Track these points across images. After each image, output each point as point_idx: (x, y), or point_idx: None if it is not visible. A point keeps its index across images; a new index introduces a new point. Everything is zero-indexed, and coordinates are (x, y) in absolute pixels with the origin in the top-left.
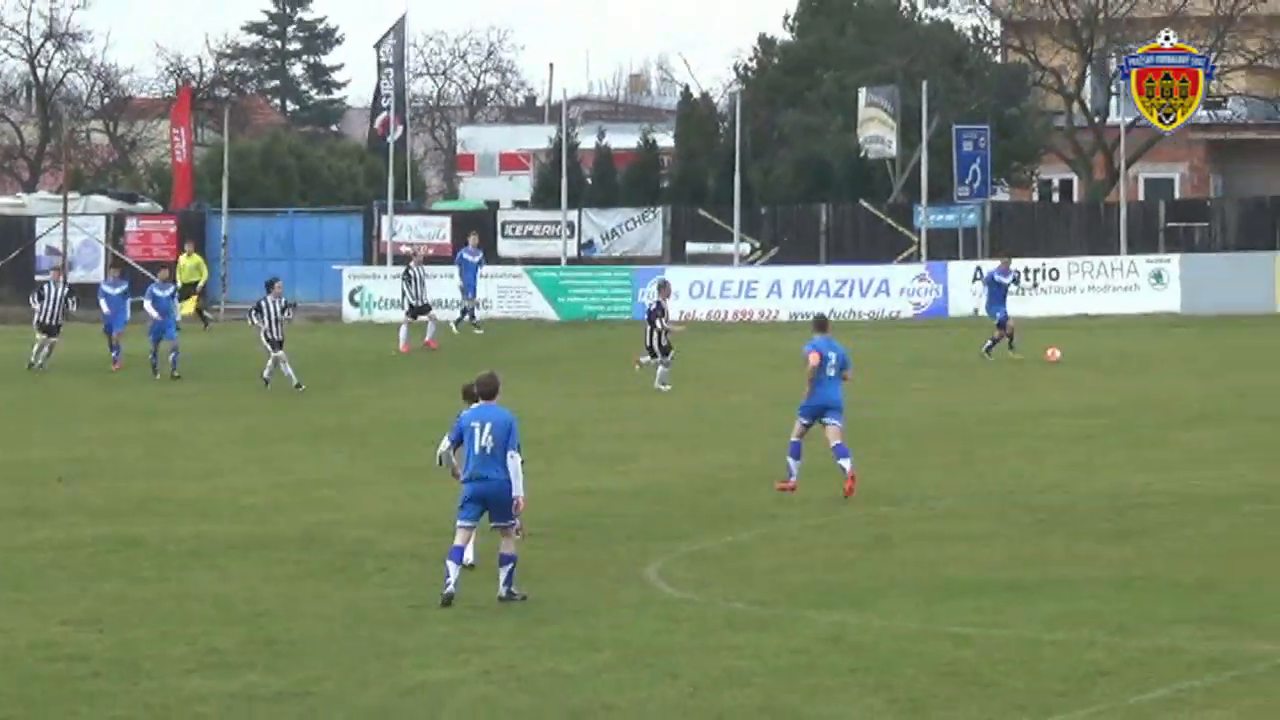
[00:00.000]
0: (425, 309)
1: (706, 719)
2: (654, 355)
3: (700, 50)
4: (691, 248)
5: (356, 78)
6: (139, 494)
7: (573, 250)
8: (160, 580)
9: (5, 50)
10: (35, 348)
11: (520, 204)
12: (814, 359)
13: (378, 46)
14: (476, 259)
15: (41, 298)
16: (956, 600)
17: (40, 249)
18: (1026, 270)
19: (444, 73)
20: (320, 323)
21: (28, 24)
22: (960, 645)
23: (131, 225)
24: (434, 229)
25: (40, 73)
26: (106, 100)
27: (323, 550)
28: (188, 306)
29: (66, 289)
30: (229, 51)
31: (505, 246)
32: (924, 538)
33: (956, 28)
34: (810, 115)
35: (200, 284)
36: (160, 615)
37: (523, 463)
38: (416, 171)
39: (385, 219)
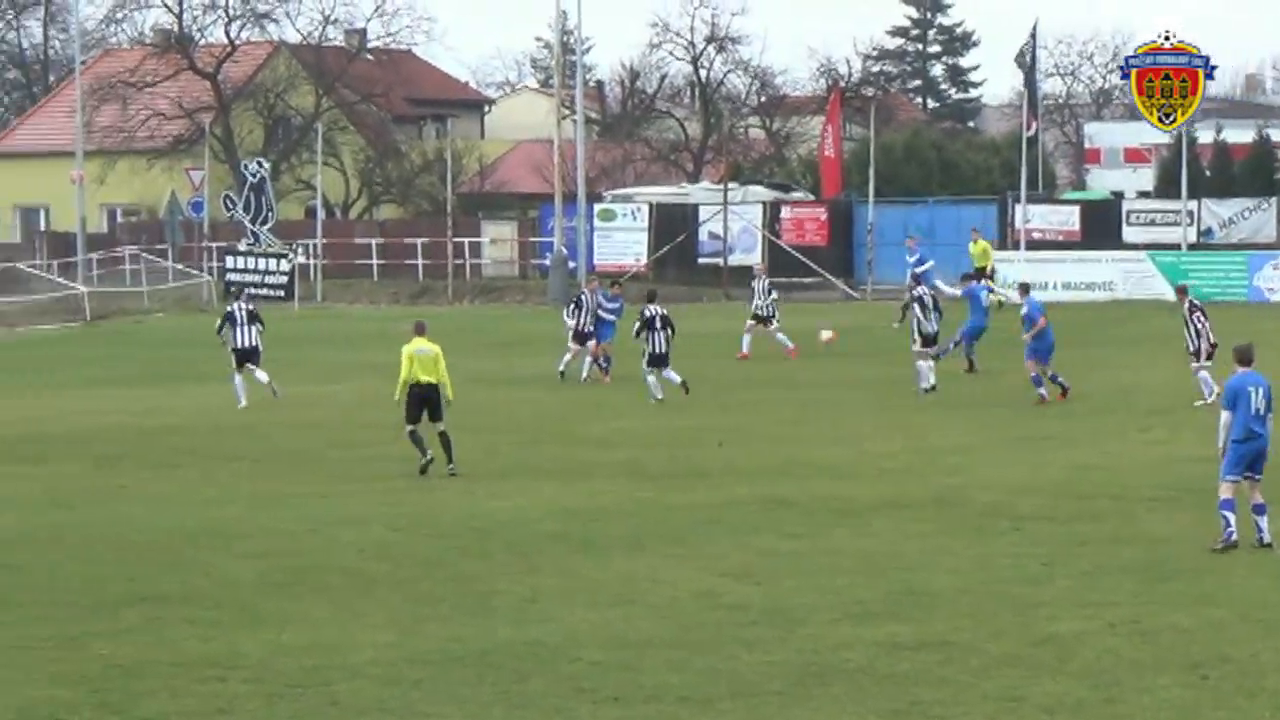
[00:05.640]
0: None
1: None
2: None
3: None
4: None
5: (992, 78)
6: (786, 458)
7: (1192, 237)
8: (808, 537)
9: (671, 53)
10: (566, 356)
11: (1143, 194)
12: None
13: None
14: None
15: (579, 306)
16: None
17: (703, 234)
18: None
19: (1072, 73)
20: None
21: (691, 29)
22: None
23: (785, 213)
24: (1063, 217)
25: (703, 73)
26: (763, 98)
27: (956, 511)
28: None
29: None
30: (875, 54)
31: (1129, 233)
32: None
33: None
34: None
35: (989, 268)
36: (809, 569)
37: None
38: (1047, 164)
39: (1018, 207)
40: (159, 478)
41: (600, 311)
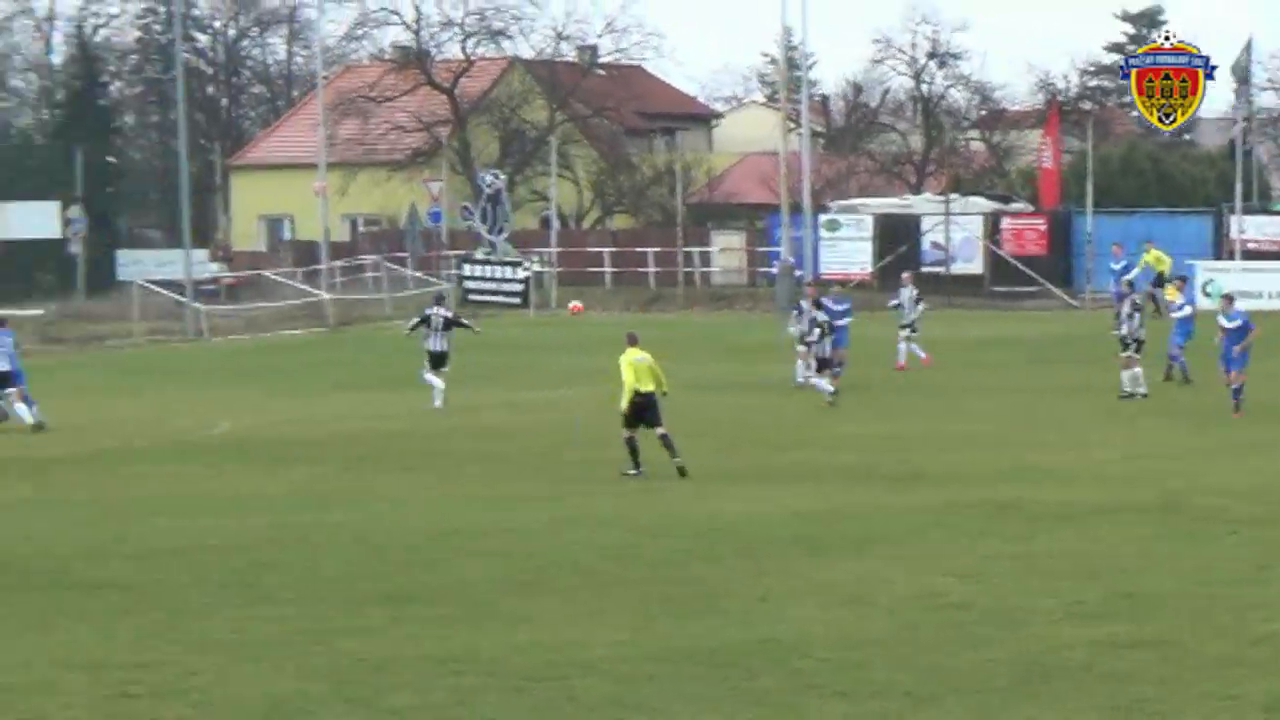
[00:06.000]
0: None
1: None
2: None
3: None
4: None
5: (1207, 92)
6: (1008, 463)
7: None
8: (1030, 539)
9: (893, 69)
10: (799, 365)
11: None
12: None
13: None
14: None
15: (801, 313)
16: None
17: (925, 244)
18: None
19: None
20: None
21: (913, 45)
22: None
23: (1005, 223)
24: (1279, 227)
25: (924, 88)
26: (983, 112)
27: (1177, 515)
28: (1170, 292)
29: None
30: (1091, 69)
31: None
32: None
33: None
34: None
35: (1165, 272)
36: (1031, 570)
37: None
38: (1262, 176)
39: (1234, 219)
40: (401, 480)
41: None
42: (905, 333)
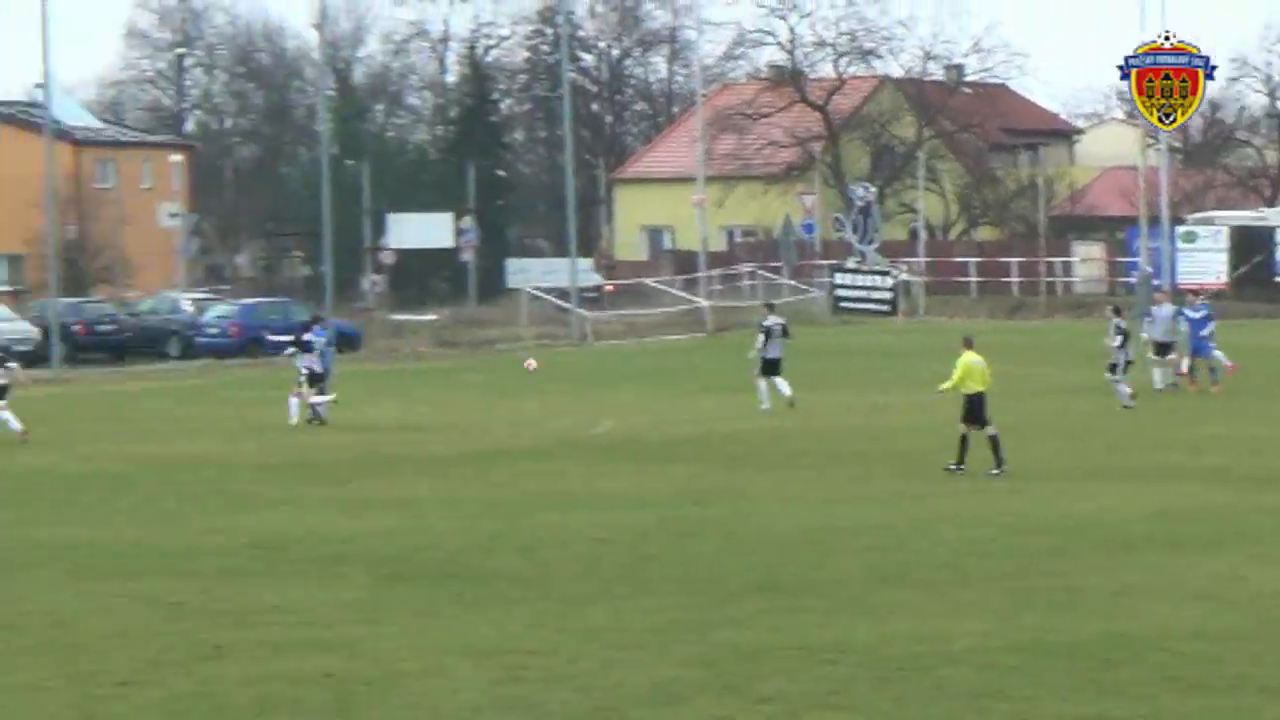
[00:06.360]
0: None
1: None
2: None
3: None
4: None
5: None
6: None
7: None
8: None
9: (1250, 87)
10: (1156, 373)
11: None
12: None
13: None
14: None
15: (1153, 320)
16: None
17: (1279, 255)
18: None
19: None
20: None
21: (1268, 64)
22: None
23: None
24: None
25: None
26: None
27: None
28: None
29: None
30: None
31: None
32: None
33: None
34: None
35: None
36: None
37: None
38: None
39: None
40: (778, 478)
41: (1183, 322)
42: (1170, 355)
